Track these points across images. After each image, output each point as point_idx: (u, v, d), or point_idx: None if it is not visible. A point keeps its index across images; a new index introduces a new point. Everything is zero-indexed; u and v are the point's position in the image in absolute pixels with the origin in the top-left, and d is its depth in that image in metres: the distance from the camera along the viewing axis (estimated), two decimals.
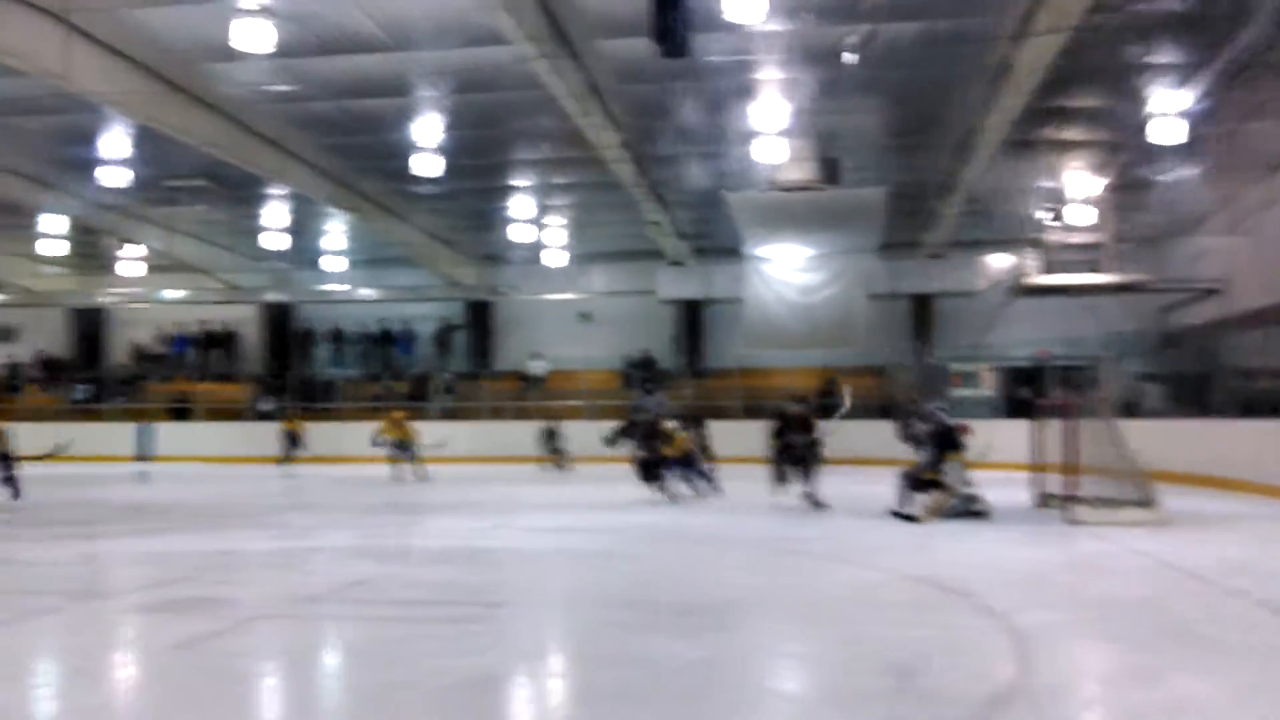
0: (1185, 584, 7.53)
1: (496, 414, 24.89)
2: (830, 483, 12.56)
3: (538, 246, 25.49)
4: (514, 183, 21.54)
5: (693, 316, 26.91)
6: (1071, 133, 17.60)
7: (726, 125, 16.54)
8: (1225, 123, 16.06)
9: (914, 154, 18.99)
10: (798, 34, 13.21)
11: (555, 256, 26.09)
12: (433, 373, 26.70)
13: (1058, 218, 21.15)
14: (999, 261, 23.43)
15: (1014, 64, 13.53)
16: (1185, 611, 6.53)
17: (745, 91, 15.32)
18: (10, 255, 27.16)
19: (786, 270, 23.27)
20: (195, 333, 29.15)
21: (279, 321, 29.16)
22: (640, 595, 7.27)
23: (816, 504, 11.95)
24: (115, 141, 17.99)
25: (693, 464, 13.61)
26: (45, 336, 29.95)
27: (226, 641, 5.98)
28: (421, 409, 25.21)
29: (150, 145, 17.50)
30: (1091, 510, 10.56)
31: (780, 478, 12.37)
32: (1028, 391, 19.02)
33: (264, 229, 24.27)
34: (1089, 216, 20.82)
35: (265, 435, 22.38)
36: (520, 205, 23.08)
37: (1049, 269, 21.67)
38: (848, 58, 12.92)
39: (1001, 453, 12.75)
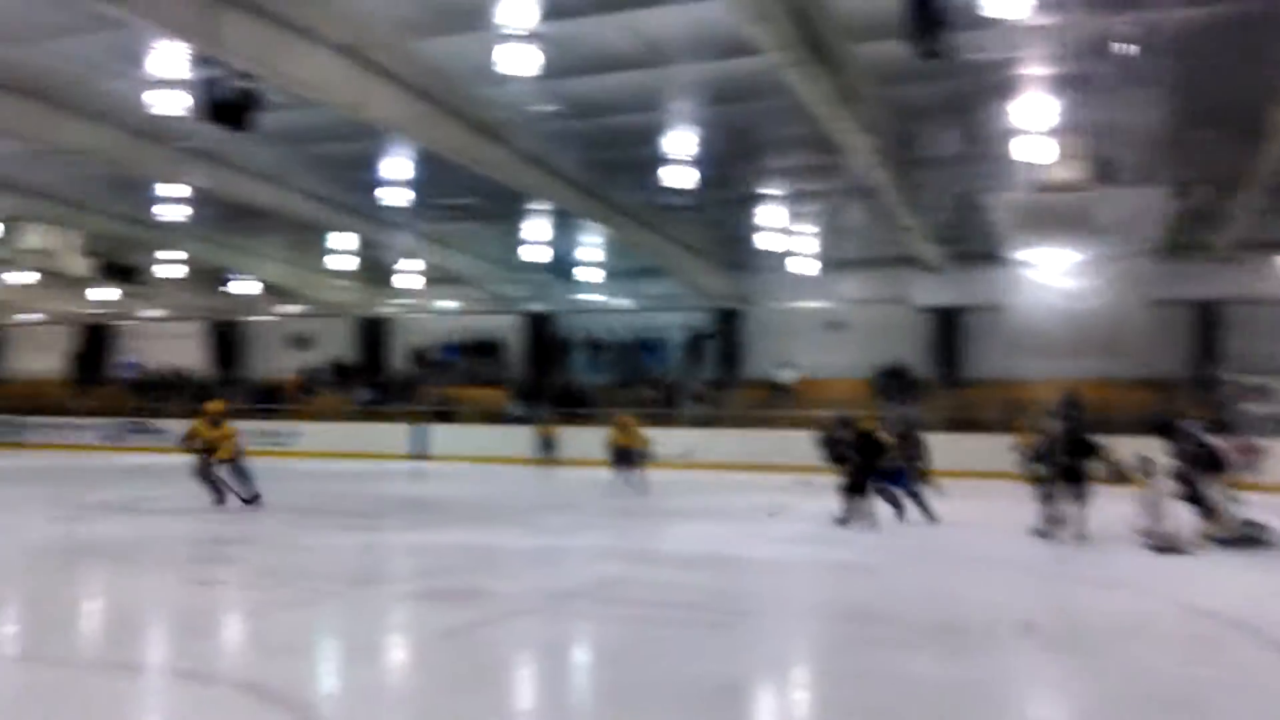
0: None
1: (745, 422, 24.95)
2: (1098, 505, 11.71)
3: (787, 254, 25.36)
4: (764, 191, 21.56)
5: (948, 324, 25.93)
6: None
7: (987, 125, 15.81)
8: None
9: (1199, 148, 17.44)
10: (1065, 26, 12.46)
11: (805, 264, 25.87)
12: (683, 380, 27.13)
13: None
14: None
15: None
16: None
17: (1007, 89, 14.60)
18: (307, 270, 29.97)
19: (1053, 275, 21.97)
20: (464, 340, 31.07)
21: (539, 330, 30.59)
22: (891, 611, 7.08)
23: (1082, 536, 10.94)
24: (397, 164, 19.50)
25: (901, 480, 12.61)
26: (336, 344, 32.81)
27: (488, 632, 6.33)
28: (672, 416, 25.70)
29: (427, 167, 18.82)
30: None
31: (1049, 498, 11.37)
32: None
33: (528, 242, 25.52)
34: None
35: (524, 438, 23.52)
36: (770, 213, 23.05)
37: None
38: (1122, 49, 12.04)
39: None
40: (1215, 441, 10.30)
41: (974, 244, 23.20)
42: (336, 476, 19.98)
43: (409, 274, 28.39)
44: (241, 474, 12.95)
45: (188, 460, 12.93)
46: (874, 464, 12.01)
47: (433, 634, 6.32)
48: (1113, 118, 15.59)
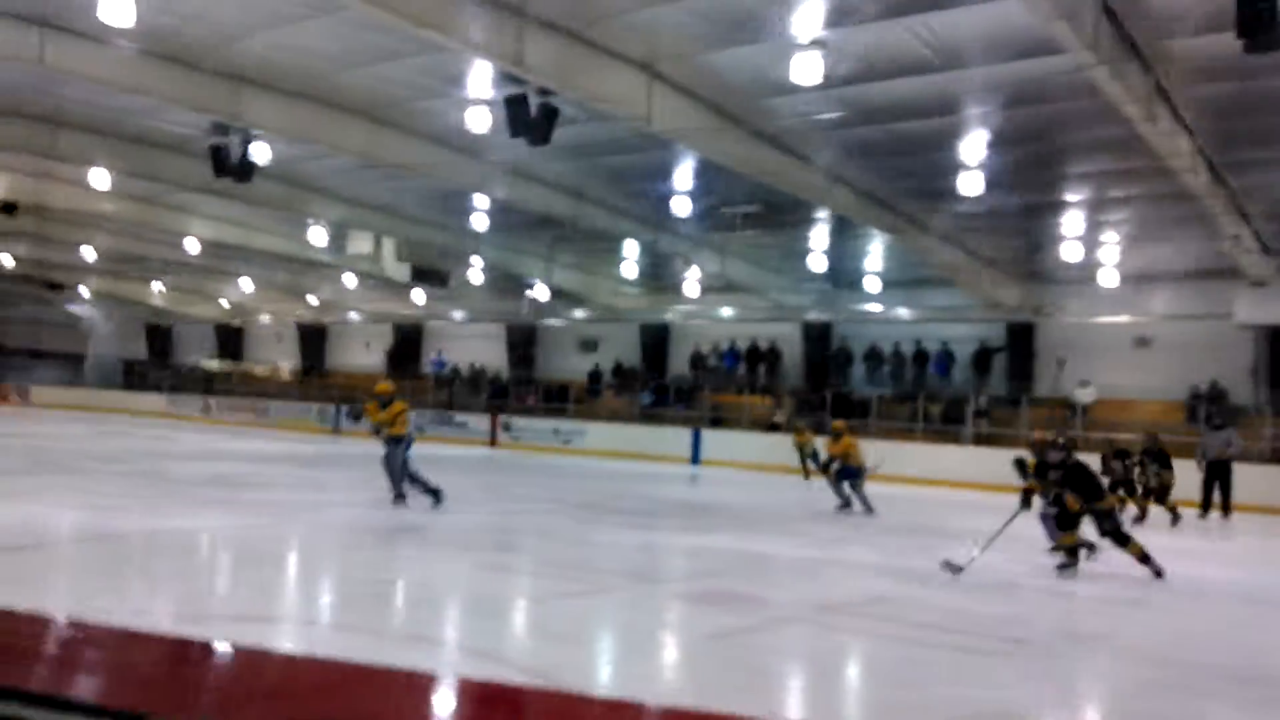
0: None
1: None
2: None
3: (1089, 265, 23.78)
4: (1064, 198, 20.31)
5: (1277, 344, 23.32)
6: None
7: None
8: None
9: None
10: None
11: (1108, 276, 24.14)
12: (968, 396, 26.04)
13: None
14: None
15: None
16: None
17: None
18: (596, 276, 31.37)
19: None
20: (743, 348, 31.36)
21: (818, 339, 30.36)
22: (1183, 654, 6.49)
23: None
24: (683, 174, 20.04)
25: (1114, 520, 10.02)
26: (621, 348, 34.12)
27: (757, 638, 6.37)
28: (954, 434, 24.76)
29: (711, 176, 19.21)
30: None
31: None
32: None
33: (808, 251, 25.44)
34: None
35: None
36: (1071, 222, 21.71)
37: None
38: None
39: None
40: None
41: None
42: (617, 476, 20.75)
43: (692, 281, 29.08)
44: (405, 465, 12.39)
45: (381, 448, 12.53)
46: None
47: (704, 635, 6.44)
48: None
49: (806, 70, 12.93)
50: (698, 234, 24.95)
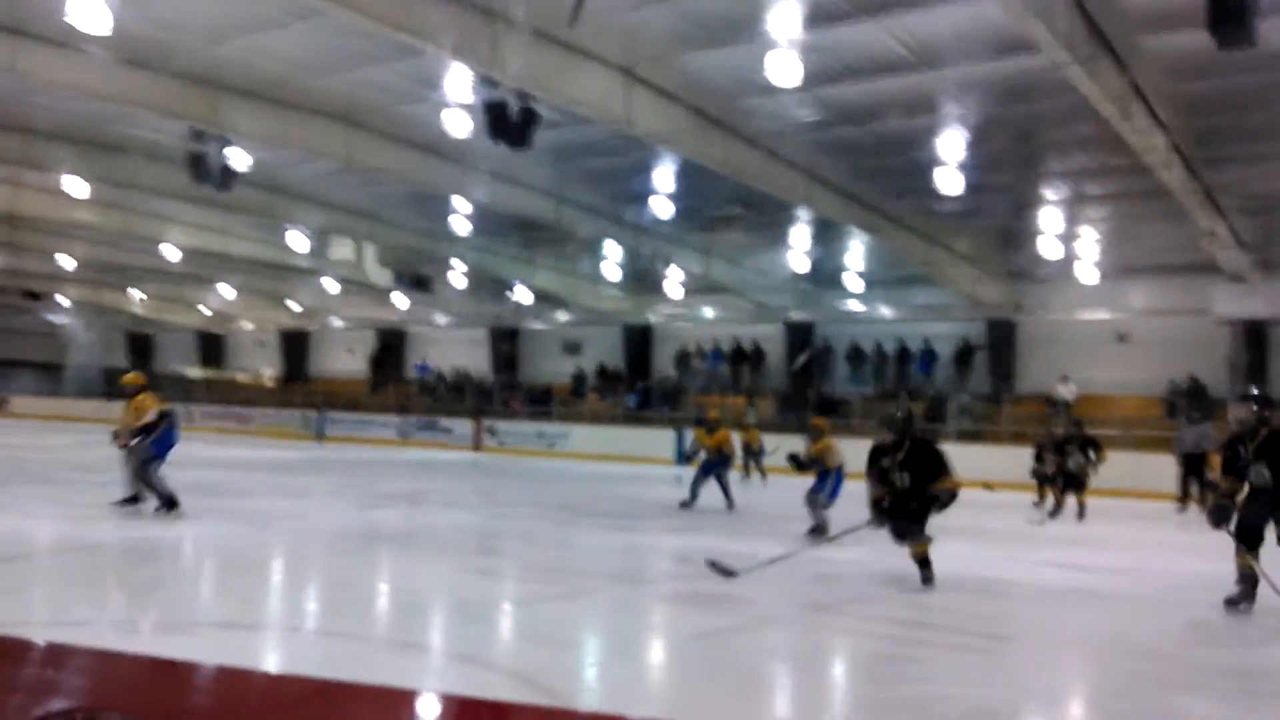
0: None
1: (1018, 439, 23.70)
2: None
3: (1068, 262, 23.94)
4: (1043, 195, 20.44)
5: (1256, 338, 23.51)
6: None
7: None
8: None
9: None
10: None
11: (1087, 272, 24.30)
12: (950, 393, 26.13)
13: None
14: None
15: None
16: None
17: None
18: (577, 278, 31.35)
19: None
20: (726, 349, 31.37)
21: (801, 339, 30.40)
22: (1175, 649, 6.53)
23: None
24: (663, 176, 20.05)
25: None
26: (604, 350, 34.08)
27: (741, 638, 6.38)
28: (937, 431, 24.85)
29: (692, 178, 19.22)
30: None
31: None
32: None
33: (790, 251, 25.49)
34: None
35: (790, 448, 23.36)
36: (1050, 219, 21.85)
37: None
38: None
39: None
40: None
41: None
42: (601, 478, 20.73)
43: (674, 283, 29.08)
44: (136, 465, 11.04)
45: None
46: None
47: (688, 636, 6.44)
48: None
49: (785, 71, 12.97)
50: (679, 235, 24.97)
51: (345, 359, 41.02)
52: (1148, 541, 12.87)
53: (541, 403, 32.32)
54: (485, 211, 23.05)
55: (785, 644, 6.42)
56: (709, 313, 31.44)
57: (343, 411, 34.47)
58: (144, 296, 42.23)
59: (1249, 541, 7.50)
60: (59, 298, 43.21)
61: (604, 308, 33.02)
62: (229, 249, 28.71)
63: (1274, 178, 16.97)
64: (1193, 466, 16.60)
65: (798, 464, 11.92)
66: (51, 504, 12.25)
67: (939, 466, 8.14)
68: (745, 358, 30.90)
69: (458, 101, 15.62)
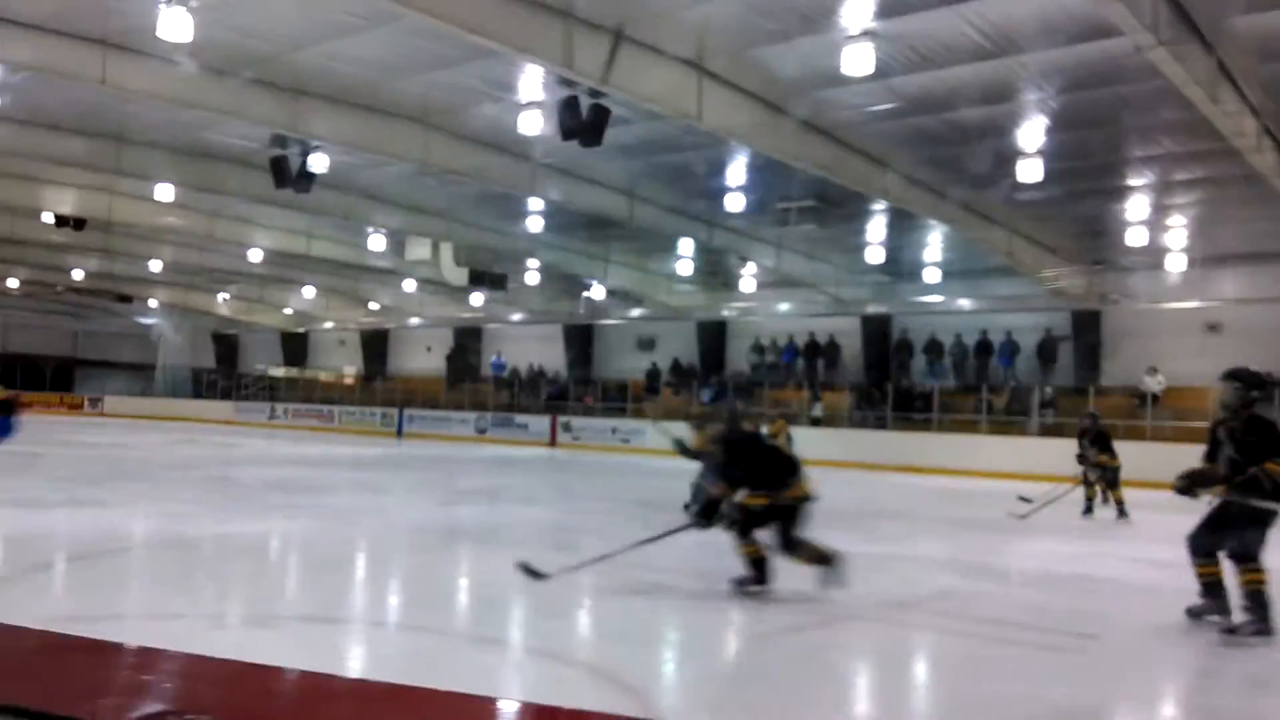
0: None
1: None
2: None
3: (1155, 250, 23.24)
4: (1128, 183, 19.87)
5: None
6: None
7: None
8: None
9: None
10: None
11: (1176, 261, 23.56)
12: (1032, 386, 25.58)
13: None
14: None
15: None
16: None
17: None
18: (651, 274, 31.39)
19: None
20: (801, 344, 31.12)
21: (878, 333, 30.03)
22: (1270, 649, 6.30)
23: None
24: (736, 170, 19.97)
25: None
26: (678, 346, 34.08)
27: (822, 634, 6.33)
28: (1019, 424, 24.36)
29: (765, 171, 19.10)
30: None
31: None
32: None
33: (865, 243, 25.17)
34: None
35: (866, 443, 23.15)
36: (1135, 206, 21.23)
37: None
38: None
39: None
40: None
41: None
42: (676, 473, 20.70)
43: (748, 277, 28.95)
44: None
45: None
46: None
47: (767, 632, 6.41)
48: None
49: (858, 61, 12.81)
50: (752, 230, 24.84)
51: (423, 357, 41.67)
52: None
53: (616, 399, 32.42)
54: (558, 209, 23.20)
55: (867, 641, 6.35)
56: (784, 307, 31.22)
57: (421, 409, 35.01)
58: (229, 298, 43.43)
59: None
60: (150, 300, 44.66)
61: (678, 303, 33.01)
62: (311, 251, 29.40)
63: None
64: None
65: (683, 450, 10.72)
66: (147, 500, 12.68)
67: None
68: (821, 352, 30.61)
69: (531, 101, 15.75)
